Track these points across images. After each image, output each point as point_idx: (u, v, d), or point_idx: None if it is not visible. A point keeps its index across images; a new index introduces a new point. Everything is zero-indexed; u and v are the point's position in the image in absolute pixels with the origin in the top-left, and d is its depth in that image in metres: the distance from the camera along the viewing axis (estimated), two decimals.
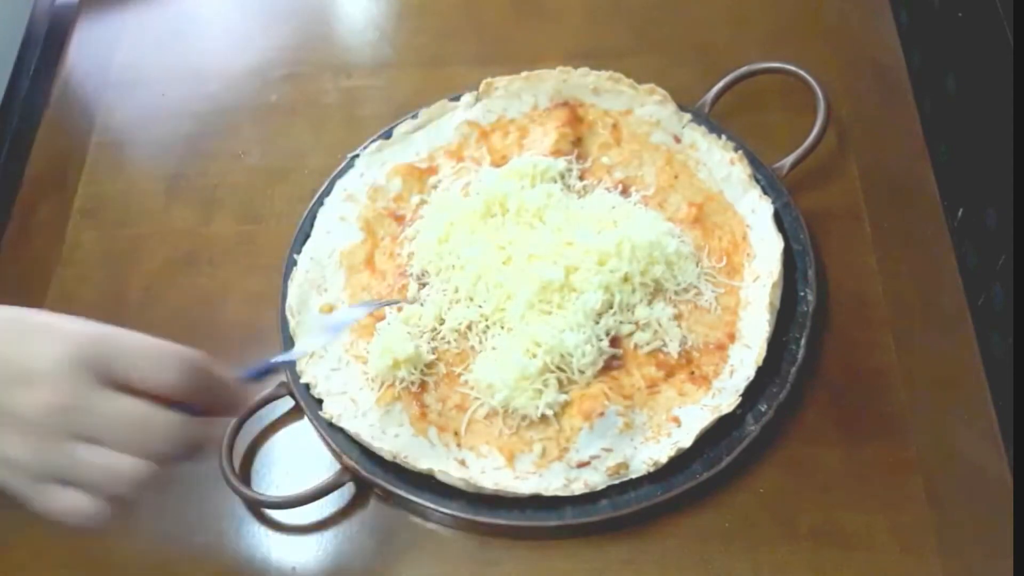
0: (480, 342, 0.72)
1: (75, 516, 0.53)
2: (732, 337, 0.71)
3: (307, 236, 0.80)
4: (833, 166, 0.82)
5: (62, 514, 0.52)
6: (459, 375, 0.71)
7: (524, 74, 0.84)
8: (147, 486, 0.52)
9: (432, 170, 0.82)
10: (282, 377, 0.73)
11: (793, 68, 0.82)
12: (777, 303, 0.71)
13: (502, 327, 0.71)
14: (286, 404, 0.73)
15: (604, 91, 0.83)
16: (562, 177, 0.79)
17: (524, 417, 0.68)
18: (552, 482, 0.66)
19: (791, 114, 0.82)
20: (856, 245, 0.78)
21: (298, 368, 0.72)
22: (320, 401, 0.71)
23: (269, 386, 0.73)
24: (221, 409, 0.56)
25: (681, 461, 0.67)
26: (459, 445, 0.69)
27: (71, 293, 0.84)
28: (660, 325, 0.71)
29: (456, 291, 0.73)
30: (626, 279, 0.71)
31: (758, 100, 0.85)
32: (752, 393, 0.69)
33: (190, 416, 0.53)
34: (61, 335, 0.52)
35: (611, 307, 0.71)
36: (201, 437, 0.54)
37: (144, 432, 0.52)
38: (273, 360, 0.62)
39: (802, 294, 0.73)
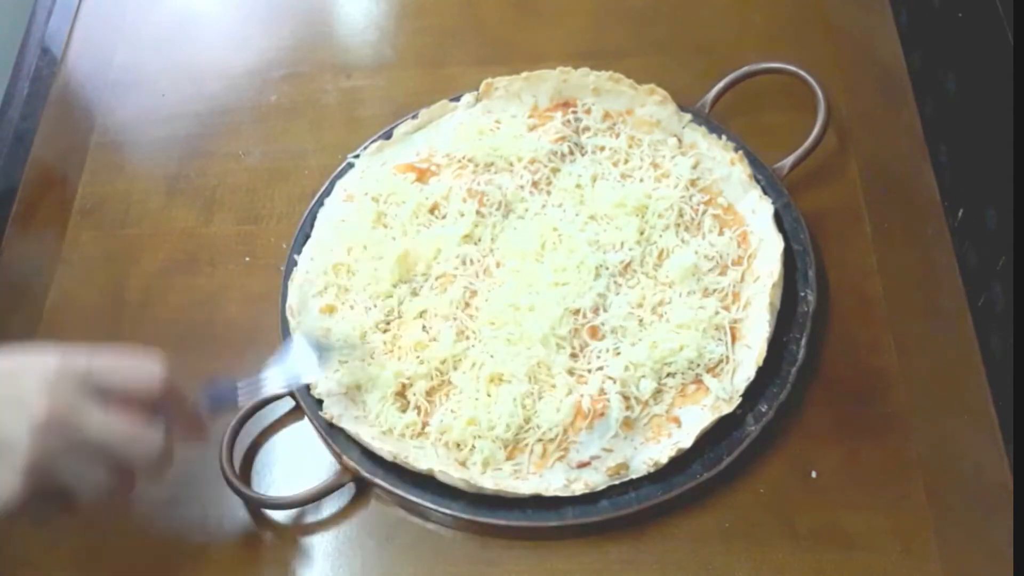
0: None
1: (64, 517, 0.57)
2: (733, 337, 0.71)
3: (307, 236, 0.80)
4: (833, 166, 0.82)
5: (56, 517, 0.57)
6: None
7: (524, 74, 0.84)
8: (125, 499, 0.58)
9: (432, 170, 0.82)
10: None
11: (793, 68, 0.82)
12: (777, 303, 0.71)
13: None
14: (286, 404, 0.73)
15: (604, 91, 0.83)
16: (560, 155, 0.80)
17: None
18: (552, 482, 0.66)
19: (791, 114, 0.82)
20: (856, 245, 0.78)
21: None
22: (320, 401, 0.71)
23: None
24: (183, 425, 0.60)
25: (681, 461, 0.67)
26: (459, 445, 0.69)
27: (71, 293, 0.84)
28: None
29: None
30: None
31: (758, 100, 0.84)
32: (752, 393, 0.69)
33: (165, 430, 0.57)
34: (42, 356, 0.54)
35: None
36: (171, 454, 0.58)
37: (137, 442, 0.55)
38: (231, 391, 0.64)
39: (802, 294, 0.73)
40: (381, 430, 0.69)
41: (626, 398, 0.68)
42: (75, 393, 0.53)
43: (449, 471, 0.66)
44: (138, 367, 0.57)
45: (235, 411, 0.68)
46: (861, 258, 0.77)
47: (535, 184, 0.79)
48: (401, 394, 0.71)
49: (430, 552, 0.68)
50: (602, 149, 0.81)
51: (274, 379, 0.68)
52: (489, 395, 0.69)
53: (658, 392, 0.69)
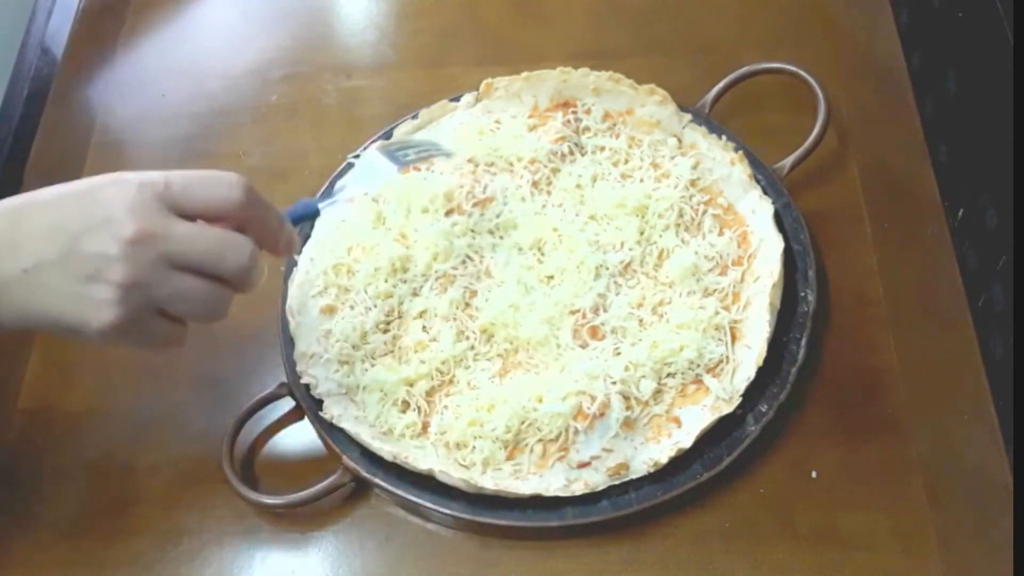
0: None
1: (169, 343, 0.58)
2: (733, 337, 0.71)
3: (307, 236, 0.80)
4: (833, 166, 0.82)
5: (161, 343, 0.58)
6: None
7: (524, 74, 0.84)
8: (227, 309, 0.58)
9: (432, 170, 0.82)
10: (282, 378, 0.73)
11: (793, 68, 0.82)
12: (777, 303, 0.71)
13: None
14: (286, 404, 0.73)
15: (604, 91, 0.83)
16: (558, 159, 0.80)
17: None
18: (552, 482, 0.66)
19: (791, 114, 0.82)
20: (856, 245, 0.78)
21: (298, 368, 0.72)
22: (320, 402, 0.71)
23: (269, 386, 0.73)
24: (270, 238, 0.60)
25: (681, 461, 0.67)
26: (459, 446, 0.69)
27: None
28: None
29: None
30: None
31: (758, 100, 0.85)
32: (752, 393, 0.69)
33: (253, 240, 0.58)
34: (124, 180, 0.55)
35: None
36: (260, 265, 0.58)
37: (227, 248, 0.56)
38: (311, 202, 0.66)
39: (802, 294, 0.73)
40: (381, 430, 0.69)
41: (626, 398, 0.68)
42: (159, 209, 0.54)
43: (449, 471, 0.66)
44: (215, 181, 0.57)
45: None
46: (861, 258, 0.77)
47: (535, 184, 0.79)
48: None
49: (430, 552, 0.68)
50: (602, 149, 0.80)
51: (352, 186, 0.70)
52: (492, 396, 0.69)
53: (658, 392, 0.69)
